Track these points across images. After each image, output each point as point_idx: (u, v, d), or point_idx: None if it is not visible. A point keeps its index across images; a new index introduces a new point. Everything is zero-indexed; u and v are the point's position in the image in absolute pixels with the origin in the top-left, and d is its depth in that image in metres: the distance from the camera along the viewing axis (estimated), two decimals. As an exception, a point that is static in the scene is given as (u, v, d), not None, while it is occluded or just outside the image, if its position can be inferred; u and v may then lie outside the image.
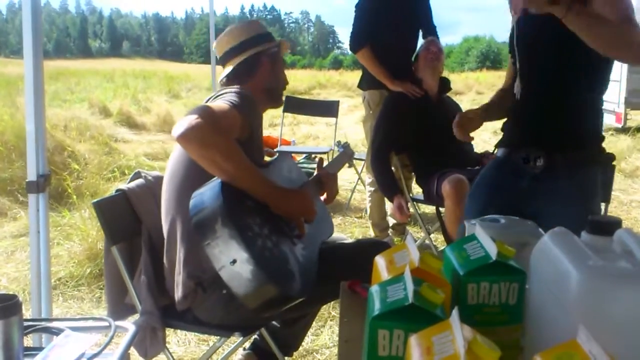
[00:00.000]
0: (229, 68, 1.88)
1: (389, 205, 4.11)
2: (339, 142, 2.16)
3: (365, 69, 3.61)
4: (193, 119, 1.46)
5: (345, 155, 2.10)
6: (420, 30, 3.65)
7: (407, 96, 3.23)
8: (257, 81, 1.87)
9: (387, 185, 3.16)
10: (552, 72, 1.71)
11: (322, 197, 1.94)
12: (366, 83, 3.62)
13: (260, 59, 1.87)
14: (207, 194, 1.45)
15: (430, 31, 3.64)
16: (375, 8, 3.44)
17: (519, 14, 1.66)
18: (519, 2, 1.52)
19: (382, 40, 3.44)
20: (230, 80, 1.88)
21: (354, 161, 4.28)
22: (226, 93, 1.72)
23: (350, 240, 2.02)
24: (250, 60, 1.86)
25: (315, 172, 1.93)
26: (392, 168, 3.28)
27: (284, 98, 2.04)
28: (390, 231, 3.98)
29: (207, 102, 1.74)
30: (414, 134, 3.16)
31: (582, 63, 1.66)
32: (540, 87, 1.75)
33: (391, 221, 3.98)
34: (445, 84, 3.33)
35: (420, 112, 3.16)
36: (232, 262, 1.36)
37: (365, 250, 1.30)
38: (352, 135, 7.96)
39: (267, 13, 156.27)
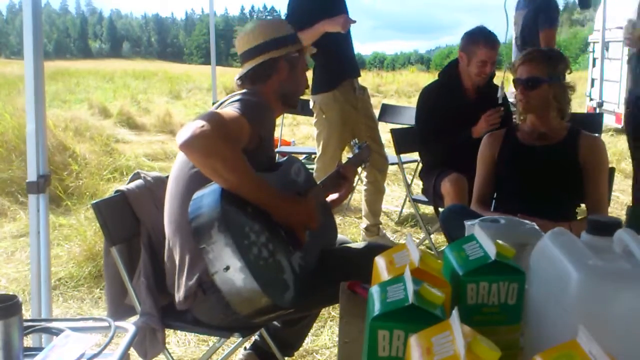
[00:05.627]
0: (245, 68, 1.83)
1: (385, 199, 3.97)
2: (355, 141, 2.11)
3: (316, 71, 3.39)
4: (198, 127, 1.43)
5: (360, 156, 2.05)
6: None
7: (442, 90, 3.09)
8: (271, 85, 1.82)
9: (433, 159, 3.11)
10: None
11: (337, 194, 1.93)
12: (315, 87, 3.38)
13: (278, 64, 1.81)
14: (207, 197, 1.44)
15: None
16: (308, 10, 3.21)
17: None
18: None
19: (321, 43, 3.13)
20: (245, 80, 1.84)
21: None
22: (237, 100, 1.67)
23: (354, 244, 2.00)
24: (268, 63, 1.80)
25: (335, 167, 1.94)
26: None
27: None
28: (363, 231, 3.79)
29: (217, 108, 1.71)
30: (441, 123, 3.05)
31: None
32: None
33: (365, 222, 3.80)
34: (492, 90, 2.94)
35: (450, 104, 3.01)
36: (225, 268, 1.35)
37: (369, 253, 1.29)
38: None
39: (267, 14, 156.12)
